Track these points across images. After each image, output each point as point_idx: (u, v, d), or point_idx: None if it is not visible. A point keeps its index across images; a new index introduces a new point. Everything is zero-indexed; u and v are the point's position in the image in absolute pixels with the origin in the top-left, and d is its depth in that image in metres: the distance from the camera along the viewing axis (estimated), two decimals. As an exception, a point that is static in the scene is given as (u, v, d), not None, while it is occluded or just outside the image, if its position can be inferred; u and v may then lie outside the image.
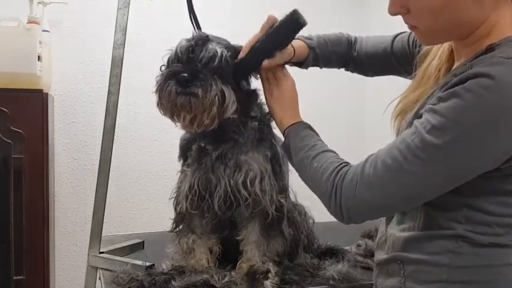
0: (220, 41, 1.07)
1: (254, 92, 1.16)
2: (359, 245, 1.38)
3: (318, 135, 1.03)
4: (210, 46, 1.03)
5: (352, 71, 1.29)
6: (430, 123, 0.75)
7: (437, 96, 0.77)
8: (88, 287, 1.31)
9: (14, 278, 1.91)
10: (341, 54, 1.23)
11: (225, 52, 1.04)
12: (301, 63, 1.18)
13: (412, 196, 0.81)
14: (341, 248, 1.38)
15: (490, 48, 0.77)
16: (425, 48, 0.97)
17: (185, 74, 0.99)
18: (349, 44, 1.24)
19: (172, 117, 1.05)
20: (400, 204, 0.83)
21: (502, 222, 0.80)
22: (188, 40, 1.04)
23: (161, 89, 1.01)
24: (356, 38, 1.25)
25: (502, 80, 0.71)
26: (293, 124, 1.04)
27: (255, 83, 1.15)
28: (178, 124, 1.07)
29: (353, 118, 2.76)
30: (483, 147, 0.73)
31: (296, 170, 1.02)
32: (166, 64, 1.06)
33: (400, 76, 1.19)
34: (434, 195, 0.80)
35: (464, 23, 0.80)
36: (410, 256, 0.86)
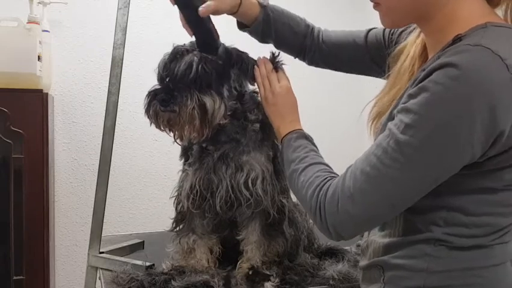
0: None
1: (248, 95, 1.15)
2: (358, 245, 1.38)
3: (313, 145, 1.00)
4: (186, 58, 1.03)
5: (310, 62, 1.23)
6: (403, 123, 0.73)
7: (408, 93, 0.75)
8: (88, 287, 1.31)
9: (14, 278, 1.91)
10: (297, 33, 1.18)
11: (204, 58, 1.03)
12: (251, 25, 1.14)
13: (397, 202, 0.77)
14: (341, 248, 1.38)
15: (457, 39, 0.74)
16: (397, 48, 0.96)
17: (163, 94, 1.02)
18: (307, 27, 1.20)
19: (168, 132, 1.08)
20: (386, 212, 0.80)
21: (481, 222, 0.78)
22: (167, 55, 1.06)
23: (147, 111, 1.05)
24: (314, 26, 1.21)
25: (469, 68, 0.68)
26: (288, 134, 1.02)
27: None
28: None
29: (351, 117, 2.76)
30: (460, 139, 0.70)
31: (288, 183, 1.00)
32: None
33: (369, 75, 1.16)
34: (419, 197, 0.77)
35: (420, 4, 0.79)
36: (389, 261, 0.85)
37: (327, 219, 0.82)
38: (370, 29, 1.16)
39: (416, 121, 0.72)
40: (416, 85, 0.74)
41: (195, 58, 1.02)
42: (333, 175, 0.88)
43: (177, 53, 1.05)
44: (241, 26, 1.18)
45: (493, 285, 0.80)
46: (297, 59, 1.25)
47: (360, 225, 0.83)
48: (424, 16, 0.81)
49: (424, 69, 0.75)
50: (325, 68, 1.25)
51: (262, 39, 1.18)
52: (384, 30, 1.12)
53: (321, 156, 0.97)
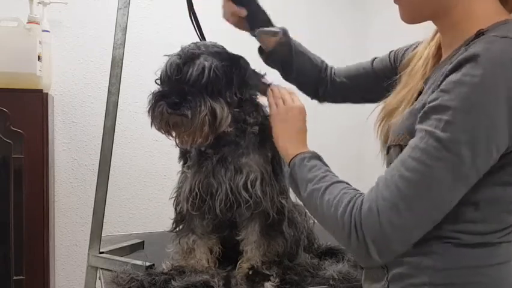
0: (210, 52, 1.04)
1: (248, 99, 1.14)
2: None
3: (327, 165, 0.96)
4: (198, 62, 1.01)
5: (323, 96, 1.27)
6: (442, 121, 0.71)
7: (439, 89, 0.74)
8: (88, 287, 1.31)
9: (14, 278, 1.91)
10: (315, 66, 1.23)
11: (214, 64, 1.01)
12: (272, 47, 1.17)
13: (444, 204, 0.74)
14: (341, 248, 1.38)
15: (480, 33, 0.76)
16: (409, 55, 0.97)
17: (174, 97, 0.99)
18: (322, 62, 1.25)
19: (166, 134, 1.06)
20: (435, 217, 0.75)
21: (490, 218, 0.78)
22: (177, 56, 1.03)
23: (152, 111, 1.01)
24: (327, 63, 1.27)
25: (502, 57, 0.69)
26: (299, 154, 0.98)
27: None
28: (173, 140, 1.07)
29: (352, 119, 2.76)
30: (502, 127, 0.70)
31: (305, 204, 0.94)
32: (159, 79, 1.05)
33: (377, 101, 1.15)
34: (463, 194, 0.74)
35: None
36: (394, 260, 0.84)
37: (365, 235, 0.75)
38: (374, 58, 1.21)
39: (457, 116, 0.70)
40: (445, 78, 0.74)
41: (206, 63, 1.01)
42: (361, 192, 0.82)
43: (189, 56, 1.02)
44: (261, 51, 1.22)
45: (497, 283, 0.80)
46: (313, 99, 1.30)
47: (408, 236, 0.76)
48: (441, 11, 0.82)
49: (451, 62, 0.75)
50: (340, 102, 1.28)
51: (283, 67, 1.21)
52: (389, 53, 1.16)
53: (338, 177, 0.92)
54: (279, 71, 1.24)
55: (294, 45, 1.20)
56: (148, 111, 1.03)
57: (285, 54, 1.19)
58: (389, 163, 0.88)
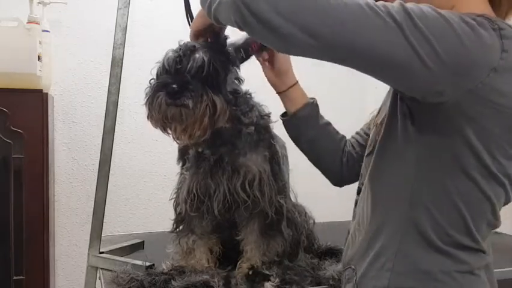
0: (206, 47, 1.04)
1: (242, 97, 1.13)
2: (359, 245, 1.38)
3: None
4: (197, 55, 1.00)
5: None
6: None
7: None
8: (88, 287, 1.31)
9: (14, 278, 1.91)
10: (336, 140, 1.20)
11: (213, 57, 1.01)
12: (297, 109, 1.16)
13: (356, 43, 0.68)
14: (341, 248, 1.37)
15: None
16: None
17: (175, 86, 0.97)
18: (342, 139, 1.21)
19: (163, 129, 1.03)
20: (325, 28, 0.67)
21: (447, 209, 0.78)
22: (175, 51, 1.02)
23: (151, 102, 0.99)
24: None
25: None
26: None
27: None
28: (170, 135, 1.05)
29: (352, 118, 2.76)
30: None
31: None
32: (154, 77, 1.04)
33: None
34: (386, 57, 0.69)
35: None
36: (360, 261, 0.85)
37: None
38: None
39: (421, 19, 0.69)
40: None
41: (205, 57, 1.00)
42: None
43: (188, 49, 1.01)
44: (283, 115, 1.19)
45: None
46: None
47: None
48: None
49: None
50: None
51: (300, 129, 1.17)
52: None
53: None
54: (294, 130, 1.18)
55: (320, 115, 1.17)
56: (146, 103, 1.01)
57: (313, 114, 1.16)
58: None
